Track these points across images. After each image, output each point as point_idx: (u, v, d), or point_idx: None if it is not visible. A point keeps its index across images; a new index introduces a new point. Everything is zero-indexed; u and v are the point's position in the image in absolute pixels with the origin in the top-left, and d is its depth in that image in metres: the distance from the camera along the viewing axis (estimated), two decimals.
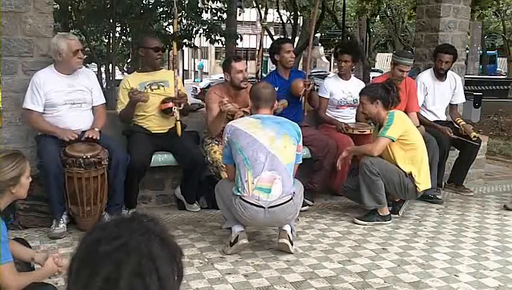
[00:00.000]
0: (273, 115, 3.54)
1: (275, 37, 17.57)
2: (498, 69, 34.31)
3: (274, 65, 4.94)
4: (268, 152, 3.29)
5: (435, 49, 5.26)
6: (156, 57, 4.33)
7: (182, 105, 4.20)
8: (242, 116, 4.01)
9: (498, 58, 34.85)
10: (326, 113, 4.96)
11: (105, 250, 0.94)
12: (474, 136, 5.07)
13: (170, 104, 4.15)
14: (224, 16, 11.77)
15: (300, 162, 3.56)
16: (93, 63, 11.97)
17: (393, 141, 4.04)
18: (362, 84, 5.16)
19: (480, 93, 12.45)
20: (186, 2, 10.43)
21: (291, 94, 4.67)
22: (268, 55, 5.03)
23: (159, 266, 0.95)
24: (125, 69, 19.05)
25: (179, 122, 4.18)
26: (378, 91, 4.13)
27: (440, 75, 5.19)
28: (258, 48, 5.35)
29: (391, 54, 7.78)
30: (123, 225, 1.00)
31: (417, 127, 4.49)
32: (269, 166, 3.28)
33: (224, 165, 4.11)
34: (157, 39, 4.48)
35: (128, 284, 0.91)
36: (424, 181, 4.13)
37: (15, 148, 3.68)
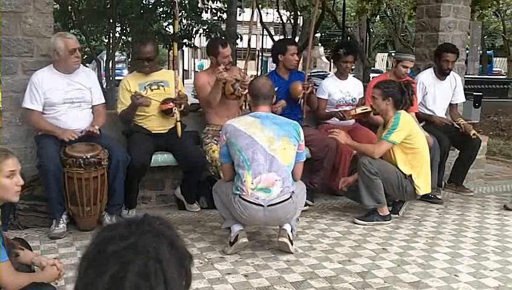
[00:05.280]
0: (272, 114, 3.53)
1: (275, 37, 17.57)
2: (497, 68, 34.26)
3: (275, 64, 4.94)
4: (268, 154, 3.28)
5: (437, 49, 5.22)
6: (145, 66, 4.21)
7: (183, 106, 4.20)
8: (234, 83, 4.18)
9: (494, 58, 34.77)
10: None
11: (114, 249, 0.94)
12: (474, 134, 5.07)
13: (171, 105, 4.15)
14: (224, 16, 11.74)
15: (304, 159, 3.57)
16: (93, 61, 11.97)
17: (395, 144, 4.04)
18: (360, 83, 5.19)
19: (480, 93, 12.40)
20: (186, 2, 10.42)
21: (290, 95, 4.67)
22: (268, 55, 5.05)
23: (166, 269, 0.94)
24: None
25: (179, 123, 4.19)
26: (394, 90, 4.09)
27: (443, 74, 5.17)
28: (248, 48, 5.26)
29: (388, 54, 7.76)
30: (134, 225, 1.00)
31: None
32: (269, 168, 3.27)
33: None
34: (150, 45, 4.25)
35: (134, 285, 0.91)
36: (423, 186, 4.11)
37: (15, 148, 3.68)
